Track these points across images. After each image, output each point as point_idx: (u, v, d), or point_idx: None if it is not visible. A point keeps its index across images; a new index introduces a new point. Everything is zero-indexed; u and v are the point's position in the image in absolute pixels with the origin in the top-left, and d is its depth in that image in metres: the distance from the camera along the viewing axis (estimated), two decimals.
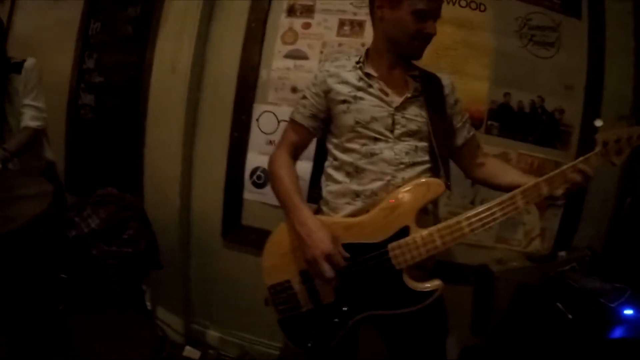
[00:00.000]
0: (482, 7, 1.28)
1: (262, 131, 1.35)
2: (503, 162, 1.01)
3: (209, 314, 1.59)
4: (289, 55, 1.33)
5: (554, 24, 1.31)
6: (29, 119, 1.32)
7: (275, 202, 1.30)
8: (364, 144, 0.87)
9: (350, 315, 0.86)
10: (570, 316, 1.08)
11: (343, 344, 0.91)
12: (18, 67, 1.32)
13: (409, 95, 0.88)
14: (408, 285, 0.83)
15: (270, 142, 1.34)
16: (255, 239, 1.37)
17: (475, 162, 0.97)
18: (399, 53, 0.89)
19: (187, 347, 1.55)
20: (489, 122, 1.28)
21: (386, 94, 0.88)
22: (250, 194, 1.38)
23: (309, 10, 1.33)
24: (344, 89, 0.89)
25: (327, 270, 0.80)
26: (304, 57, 1.32)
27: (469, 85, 1.25)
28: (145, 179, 1.54)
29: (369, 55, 0.93)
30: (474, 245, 1.32)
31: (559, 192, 0.83)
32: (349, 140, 0.88)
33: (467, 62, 1.26)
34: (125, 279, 1.36)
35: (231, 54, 1.40)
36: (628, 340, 1.04)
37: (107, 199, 1.41)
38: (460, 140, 0.95)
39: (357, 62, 0.92)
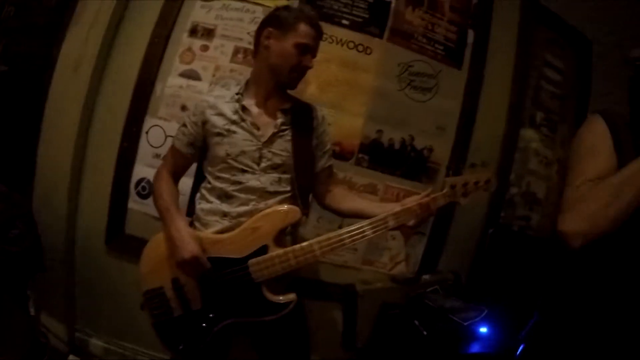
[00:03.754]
0: (369, 51, 1.53)
1: (150, 144, 1.51)
2: (350, 192, 1.25)
3: (92, 322, 1.69)
4: (184, 74, 1.51)
5: (433, 72, 1.59)
6: None
7: (157, 214, 1.50)
8: (233, 174, 1.06)
9: (216, 321, 1.05)
10: (425, 332, 1.33)
11: (213, 349, 1.10)
12: None
13: (275, 130, 1.08)
14: (266, 296, 1.03)
15: (157, 156, 1.50)
16: (138, 248, 1.48)
17: (325, 189, 1.19)
18: (277, 82, 1.08)
19: (71, 356, 1.65)
20: (360, 155, 1.51)
21: (257, 128, 1.07)
22: (134, 203, 1.54)
23: (209, 34, 1.52)
24: (219, 122, 1.07)
25: (197, 270, 1.01)
26: (197, 78, 1.50)
27: (346, 120, 1.49)
28: (35, 179, 1.64)
29: (248, 85, 1.12)
30: (341, 266, 1.54)
31: (410, 223, 1.03)
32: (221, 170, 1.07)
33: (346, 99, 1.49)
34: (10, 278, 1.47)
35: (131, 64, 1.56)
36: (483, 355, 1.30)
37: None
38: (316, 168, 1.16)
39: (237, 94, 1.09)
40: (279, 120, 1.09)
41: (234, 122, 1.07)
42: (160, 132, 1.50)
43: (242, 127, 1.07)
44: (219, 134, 1.06)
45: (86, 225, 1.62)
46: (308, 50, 1.06)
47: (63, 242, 1.61)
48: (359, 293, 1.48)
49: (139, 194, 1.53)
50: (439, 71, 1.59)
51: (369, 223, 1.02)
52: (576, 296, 0.90)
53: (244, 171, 1.06)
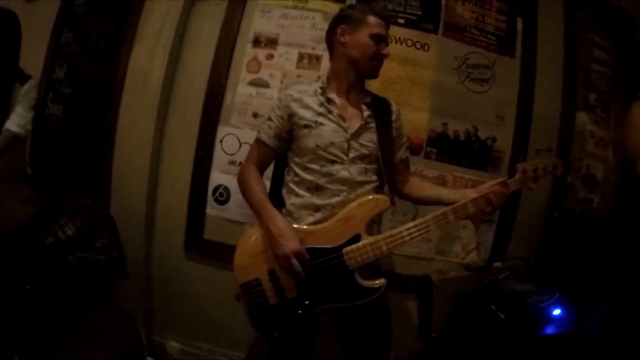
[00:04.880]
0: (426, 47, 1.62)
1: (224, 152, 1.62)
2: (424, 181, 1.35)
3: (169, 325, 1.81)
4: (252, 83, 1.62)
5: (489, 63, 1.66)
6: (13, 124, 1.53)
7: (235, 217, 1.62)
8: (322, 165, 1.12)
9: (311, 308, 1.12)
10: (502, 316, 1.39)
11: (304, 332, 1.16)
12: (23, 79, 1.57)
13: (362, 123, 1.15)
14: (359, 282, 1.10)
15: (232, 163, 1.61)
16: (216, 253, 1.64)
17: (403, 179, 1.26)
18: (359, 73, 1.16)
19: (149, 358, 1.76)
20: (428, 149, 1.61)
21: (344, 120, 1.13)
22: (212, 209, 1.64)
23: (272, 42, 1.63)
24: (307, 114, 1.13)
25: (296, 265, 1.06)
26: (266, 86, 1.61)
27: (411, 115, 1.57)
28: (112, 191, 1.76)
29: (328, 81, 1.19)
30: (416, 258, 1.63)
31: (488, 208, 1.10)
32: (310, 161, 1.13)
33: (410, 95, 1.59)
34: (98, 285, 1.58)
35: (199, 76, 1.68)
36: (557, 336, 1.36)
37: (82, 208, 1.65)
38: (395, 159, 1.23)
39: (320, 87, 1.17)
40: (366, 113, 1.16)
41: (320, 114, 1.13)
42: (234, 140, 1.61)
43: (330, 119, 1.12)
44: (307, 126, 1.12)
45: (164, 231, 1.73)
46: (382, 39, 1.14)
47: (142, 248, 1.72)
48: (434, 283, 1.54)
49: (216, 200, 1.64)
50: (494, 61, 1.66)
51: (451, 209, 1.09)
52: None
53: (333, 162, 1.11)
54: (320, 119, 1.13)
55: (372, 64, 1.15)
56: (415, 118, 1.58)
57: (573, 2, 1.87)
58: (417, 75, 1.59)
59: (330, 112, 1.14)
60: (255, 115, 1.60)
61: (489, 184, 1.11)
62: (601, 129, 1.91)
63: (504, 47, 1.70)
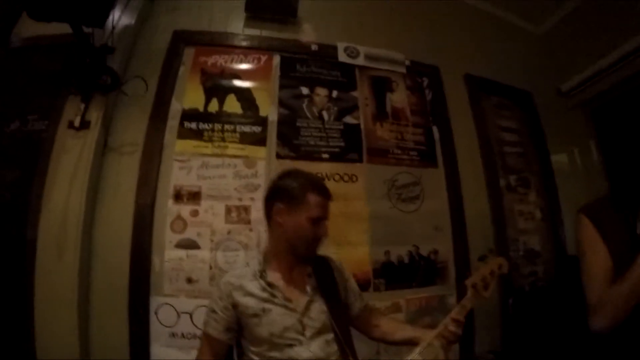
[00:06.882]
0: (354, 178, 1.64)
1: (162, 324, 1.47)
2: (395, 321, 1.32)
3: None
4: (180, 245, 1.50)
5: (416, 179, 1.72)
6: None
7: None
8: (282, 351, 1.06)
9: None
10: None
11: None
12: None
13: (308, 298, 1.10)
14: None
15: (174, 335, 1.47)
16: None
17: (371, 325, 1.23)
18: (297, 256, 1.11)
19: None
20: (376, 281, 1.59)
21: (289, 301, 1.09)
22: None
23: (195, 197, 1.53)
24: (251, 302, 1.08)
25: None
26: (195, 247, 1.50)
27: (352, 252, 1.56)
28: None
29: (267, 259, 1.14)
30: None
31: (453, 337, 1.09)
32: (268, 350, 1.06)
33: (347, 232, 1.57)
34: None
35: (121, 240, 1.52)
36: None
37: None
38: (354, 311, 1.21)
39: (259, 271, 1.11)
40: (309, 287, 1.12)
41: (266, 300, 1.08)
42: (170, 310, 1.47)
43: (275, 304, 1.08)
44: (255, 315, 1.07)
45: None
46: (321, 219, 1.11)
47: None
48: None
49: None
50: (420, 176, 1.73)
51: (419, 352, 1.08)
52: None
53: (292, 345, 1.07)
54: (267, 306, 1.08)
55: (310, 248, 1.12)
56: (357, 254, 1.57)
57: (476, 93, 2.02)
58: (350, 210, 1.59)
59: (274, 296, 1.09)
60: (189, 280, 1.48)
61: (447, 319, 1.10)
62: (527, 204, 2.06)
63: (427, 159, 1.77)
